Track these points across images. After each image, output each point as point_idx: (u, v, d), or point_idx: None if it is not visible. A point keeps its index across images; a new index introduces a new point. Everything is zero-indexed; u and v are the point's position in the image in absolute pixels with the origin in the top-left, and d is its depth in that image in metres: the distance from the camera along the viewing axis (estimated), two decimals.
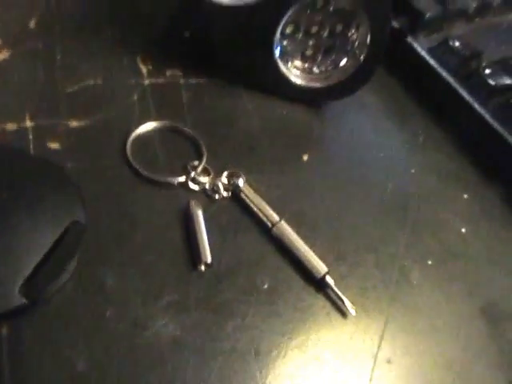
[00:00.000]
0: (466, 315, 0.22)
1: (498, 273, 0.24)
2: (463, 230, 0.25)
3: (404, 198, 0.25)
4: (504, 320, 0.22)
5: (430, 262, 0.23)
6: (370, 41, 0.25)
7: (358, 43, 0.26)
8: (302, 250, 0.20)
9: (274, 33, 0.24)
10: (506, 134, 0.27)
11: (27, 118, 0.21)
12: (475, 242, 0.25)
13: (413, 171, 0.27)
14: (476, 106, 0.29)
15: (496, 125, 0.28)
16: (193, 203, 0.20)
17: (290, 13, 0.24)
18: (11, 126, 0.20)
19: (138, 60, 0.25)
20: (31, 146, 0.20)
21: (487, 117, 0.28)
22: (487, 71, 0.29)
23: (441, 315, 0.21)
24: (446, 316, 0.22)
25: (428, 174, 0.27)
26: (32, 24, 0.25)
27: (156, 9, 0.27)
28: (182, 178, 0.21)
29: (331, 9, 0.25)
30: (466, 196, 0.27)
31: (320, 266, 0.20)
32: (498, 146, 0.28)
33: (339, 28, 0.26)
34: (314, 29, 0.26)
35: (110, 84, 0.24)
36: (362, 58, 0.25)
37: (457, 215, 0.26)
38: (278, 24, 0.24)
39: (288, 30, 0.25)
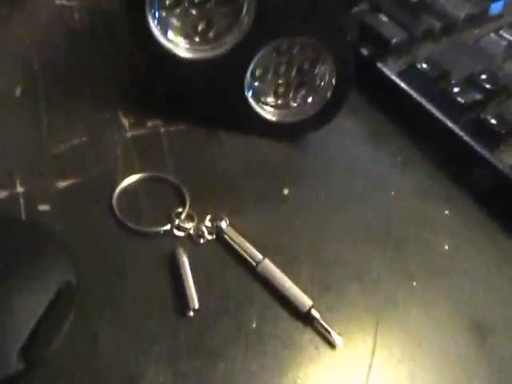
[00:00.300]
0: (454, 334, 0.22)
1: (483, 288, 0.24)
2: (446, 247, 0.26)
3: (385, 222, 0.26)
4: (491, 335, 0.22)
5: (414, 283, 0.24)
6: (336, 76, 0.26)
7: (326, 78, 0.27)
8: (287, 286, 0.21)
9: (243, 78, 0.26)
10: (479, 148, 0.28)
11: (18, 183, 0.22)
12: (459, 258, 0.26)
13: (392, 193, 0.28)
14: (449, 123, 0.30)
15: (469, 140, 0.29)
16: (178, 251, 0.21)
17: (256, 59, 0.25)
18: (3, 193, 0.22)
19: (120, 114, 0.27)
20: (22, 210, 0.21)
21: (460, 133, 0.29)
22: (456, 89, 0.30)
23: (429, 337, 0.22)
24: (435, 337, 0.22)
25: (408, 194, 0.28)
26: (18, 92, 0.26)
27: (130, 67, 0.29)
28: (167, 227, 0.22)
29: (295, 51, 0.26)
30: (447, 212, 0.28)
31: (305, 301, 0.21)
32: (474, 160, 0.29)
33: (306, 65, 0.27)
34: (283, 69, 0.27)
35: (94, 141, 0.25)
36: (329, 92, 0.27)
37: (439, 233, 0.27)
38: (246, 70, 0.26)
39: (257, 73, 0.27)
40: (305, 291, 0.22)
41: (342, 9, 0.30)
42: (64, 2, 0.33)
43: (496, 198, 0.28)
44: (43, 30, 0.31)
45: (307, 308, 0.21)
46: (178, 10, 0.24)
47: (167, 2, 0.24)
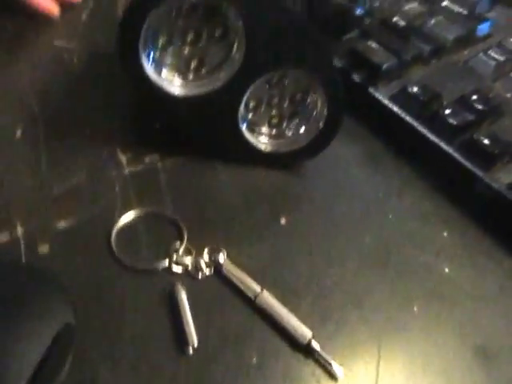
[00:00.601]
0: (459, 359, 0.22)
1: (486, 310, 0.24)
2: (447, 270, 0.26)
3: (383, 246, 0.26)
4: (496, 360, 0.22)
5: (415, 309, 0.24)
6: (327, 105, 0.27)
7: (318, 108, 0.27)
8: (286, 318, 0.21)
9: (237, 111, 0.26)
10: (475, 168, 0.29)
11: (18, 225, 0.23)
12: (460, 280, 0.25)
13: (390, 216, 0.28)
14: (442, 145, 0.30)
15: (464, 161, 0.29)
16: (177, 288, 0.21)
17: (249, 92, 0.26)
18: (4, 237, 0.22)
19: (118, 151, 0.27)
20: (23, 253, 0.22)
21: (455, 155, 0.29)
22: (447, 111, 0.31)
23: (433, 362, 0.22)
24: (438, 362, 0.22)
25: (405, 217, 0.28)
26: (18, 133, 0.27)
27: (126, 104, 0.30)
28: (166, 263, 0.22)
29: (286, 82, 0.27)
30: (445, 234, 0.28)
31: (305, 332, 0.21)
32: (470, 181, 0.29)
33: (298, 96, 0.28)
34: (275, 100, 0.28)
35: (93, 179, 0.26)
36: (322, 121, 0.27)
37: (439, 255, 0.27)
38: (239, 103, 0.26)
39: (251, 105, 0.27)
40: (305, 321, 0.22)
41: (330, 39, 0.31)
42: (63, 44, 0.35)
43: (494, 217, 0.28)
44: (43, 71, 0.32)
45: (307, 340, 0.21)
46: (171, 50, 0.25)
47: (160, 43, 0.25)
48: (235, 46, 0.25)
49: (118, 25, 0.22)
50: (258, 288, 0.22)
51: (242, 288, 0.22)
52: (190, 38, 0.25)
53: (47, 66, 0.33)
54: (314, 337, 0.21)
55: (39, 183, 0.25)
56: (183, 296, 0.21)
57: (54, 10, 0.36)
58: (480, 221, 0.28)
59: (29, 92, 0.30)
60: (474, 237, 0.28)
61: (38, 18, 0.36)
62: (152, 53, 0.25)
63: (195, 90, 0.26)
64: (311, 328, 0.21)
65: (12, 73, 0.31)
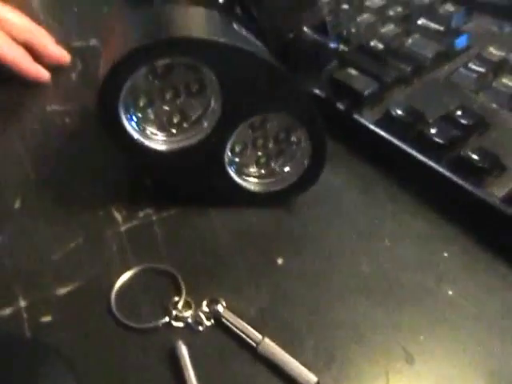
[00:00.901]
0: None
1: (496, 333, 0.24)
2: (450, 293, 0.26)
3: (382, 274, 0.26)
4: None
5: (422, 337, 0.24)
6: (310, 141, 0.27)
7: (302, 144, 0.28)
8: (290, 365, 0.21)
9: (223, 157, 0.27)
10: (466, 185, 0.29)
11: (20, 297, 0.23)
12: (465, 303, 0.25)
13: (386, 241, 0.28)
14: (432, 164, 0.30)
15: (455, 178, 0.29)
16: (178, 345, 0.21)
17: (232, 139, 0.27)
18: (6, 311, 0.23)
19: (113, 210, 0.28)
20: (26, 325, 0.22)
21: (445, 173, 0.29)
22: (433, 130, 0.31)
23: None
24: None
25: (402, 241, 0.28)
26: (17, 203, 0.28)
27: (118, 163, 0.31)
28: (166, 319, 0.23)
29: (268, 125, 0.27)
30: (445, 254, 0.28)
31: (310, 378, 0.21)
32: (463, 197, 0.29)
33: (282, 135, 0.28)
34: (260, 142, 0.28)
35: (90, 241, 0.26)
36: (307, 157, 0.28)
37: (441, 278, 0.26)
38: (224, 149, 0.27)
39: (237, 149, 0.28)
40: (309, 366, 0.21)
41: (308, 73, 0.32)
42: (55, 108, 0.36)
43: (492, 232, 0.28)
44: (36, 137, 0.33)
45: None
46: (151, 109, 0.26)
47: (141, 104, 0.26)
48: (213, 98, 0.26)
49: (97, 93, 0.23)
50: (259, 336, 0.22)
51: (244, 337, 0.22)
52: (168, 96, 0.26)
53: (40, 131, 0.34)
54: (319, 382, 0.21)
55: (38, 251, 0.26)
56: (185, 352, 0.21)
57: (44, 75, 0.38)
58: (478, 237, 0.28)
59: (24, 159, 0.31)
60: (474, 254, 0.27)
61: (30, 84, 0.37)
62: (134, 114, 0.26)
63: (180, 144, 0.26)
64: (316, 372, 0.21)
65: (6, 140, 0.33)
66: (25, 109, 0.36)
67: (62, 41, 0.41)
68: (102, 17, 0.48)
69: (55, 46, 0.39)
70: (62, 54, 0.39)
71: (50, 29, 0.41)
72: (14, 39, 0.36)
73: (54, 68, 0.39)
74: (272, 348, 0.22)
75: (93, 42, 0.44)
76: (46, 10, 0.49)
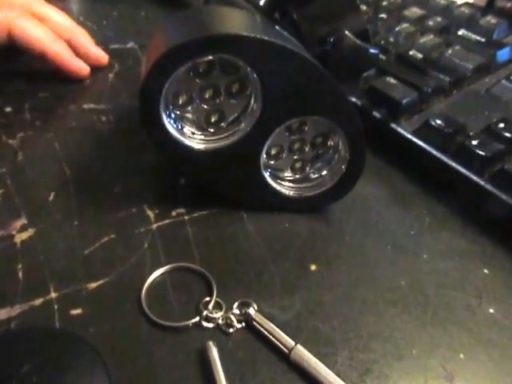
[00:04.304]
0: None
1: None
2: (491, 311, 0.24)
3: (420, 289, 0.25)
4: None
5: (462, 356, 0.22)
6: (349, 146, 0.26)
7: (339, 150, 0.27)
8: (323, 373, 0.20)
9: (259, 159, 0.27)
10: (509, 199, 0.27)
11: (51, 290, 0.23)
12: (508, 322, 0.24)
13: (425, 256, 0.27)
14: (473, 177, 0.29)
15: (498, 193, 0.28)
16: (208, 346, 0.21)
17: (269, 141, 0.26)
18: (38, 301, 0.23)
19: (145, 207, 0.28)
20: (56, 317, 0.22)
21: (487, 187, 0.28)
22: (474, 142, 0.30)
23: None
24: None
25: (441, 256, 0.27)
26: (51, 197, 0.28)
27: (152, 162, 0.31)
28: (196, 319, 0.22)
29: (306, 128, 0.27)
30: (486, 271, 0.26)
31: None
32: (505, 213, 0.27)
33: (319, 140, 0.28)
34: (297, 145, 0.28)
35: (122, 237, 0.26)
36: (344, 163, 0.27)
37: (481, 295, 0.25)
38: (261, 152, 0.26)
39: (273, 152, 0.28)
40: (343, 376, 0.21)
41: (346, 80, 0.31)
42: (92, 106, 0.36)
43: None
44: (72, 134, 0.34)
45: None
46: (190, 108, 0.26)
47: (180, 102, 0.26)
48: (252, 98, 0.25)
49: (139, 90, 0.23)
50: (291, 342, 0.21)
51: (276, 342, 0.21)
52: (208, 94, 0.25)
53: (76, 129, 0.34)
54: None
55: (71, 245, 0.26)
56: (215, 354, 0.20)
57: (84, 70, 0.38)
58: None
59: (60, 155, 0.32)
60: None
61: (70, 80, 0.38)
62: (173, 112, 0.25)
63: (217, 144, 0.26)
64: None
65: (44, 138, 0.33)
66: (63, 107, 0.36)
67: (101, 43, 0.42)
68: (140, 20, 0.49)
69: (95, 47, 0.40)
70: (100, 55, 0.40)
71: (89, 31, 0.42)
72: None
73: (93, 68, 0.39)
74: (305, 355, 0.21)
75: (130, 44, 0.44)
76: (86, 14, 0.50)
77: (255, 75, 0.24)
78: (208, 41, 0.22)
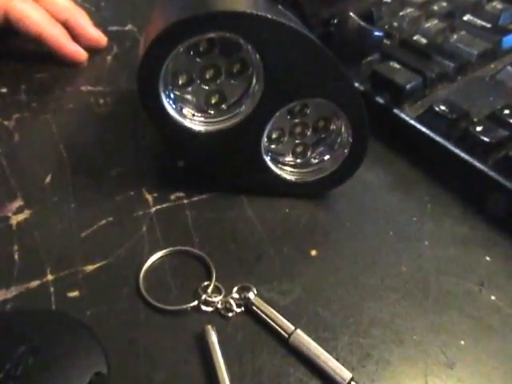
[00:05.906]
0: None
1: None
2: (493, 298, 0.24)
3: (422, 276, 0.25)
4: None
5: (462, 342, 0.22)
6: (352, 130, 0.26)
7: (342, 134, 0.27)
8: (323, 358, 0.20)
9: (260, 143, 0.26)
10: None
11: (48, 272, 0.23)
12: (509, 309, 0.24)
13: (426, 243, 0.27)
14: (477, 164, 0.28)
15: (502, 180, 0.28)
16: (207, 330, 0.21)
17: (270, 124, 0.26)
18: (34, 284, 0.22)
19: (144, 190, 0.28)
20: (52, 299, 0.22)
21: (491, 174, 0.28)
22: (479, 128, 0.29)
23: None
24: None
25: (443, 243, 0.27)
26: (48, 179, 0.28)
27: (151, 145, 0.30)
28: (195, 303, 0.22)
29: (308, 111, 0.26)
30: (488, 258, 0.26)
31: (344, 374, 0.20)
32: (509, 200, 0.27)
33: (321, 123, 0.27)
34: (298, 129, 0.27)
35: (120, 220, 0.26)
36: (347, 148, 0.26)
37: (483, 282, 0.25)
38: (262, 135, 0.26)
39: (274, 136, 0.27)
40: (343, 361, 0.20)
41: (349, 63, 0.31)
42: (90, 88, 0.36)
43: None
44: (69, 116, 0.33)
45: (346, 382, 0.19)
46: (190, 88, 0.25)
47: (180, 82, 0.25)
48: (254, 79, 0.25)
49: (138, 68, 0.23)
50: (291, 327, 0.21)
51: (275, 326, 0.21)
52: (208, 75, 0.25)
53: (74, 110, 0.34)
54: (353, 379, 0.20)
55: (68, 228, 0.25)
56: (214, 339, 0.20)
57: (81, 54, 0.38)
58: None
59: (57, 137, 0.31)
60: None
61: (67, 64, 0.37)
62: (172, 92, 0.25)
63: (217, 126, 0.26)
64: (350, 369, 0.20)
65: (40, 120, 0.32)
66: (60, 89, 0.36)
67: (99, 25, 0.41)
68: (139, 3, 0.48)
69: (93, 28, 0.39)
70: (99, 36, 0.39)
71: (87, 12, 0.41)
72: (55, 18, 0.37)
73: (91, 50, 0.39)
74: (304, 340, 0.21)
75: (129, 26, 0.43)
76: None
77: (257, 55, 0.23)
78: (209, 17, 0.22)
